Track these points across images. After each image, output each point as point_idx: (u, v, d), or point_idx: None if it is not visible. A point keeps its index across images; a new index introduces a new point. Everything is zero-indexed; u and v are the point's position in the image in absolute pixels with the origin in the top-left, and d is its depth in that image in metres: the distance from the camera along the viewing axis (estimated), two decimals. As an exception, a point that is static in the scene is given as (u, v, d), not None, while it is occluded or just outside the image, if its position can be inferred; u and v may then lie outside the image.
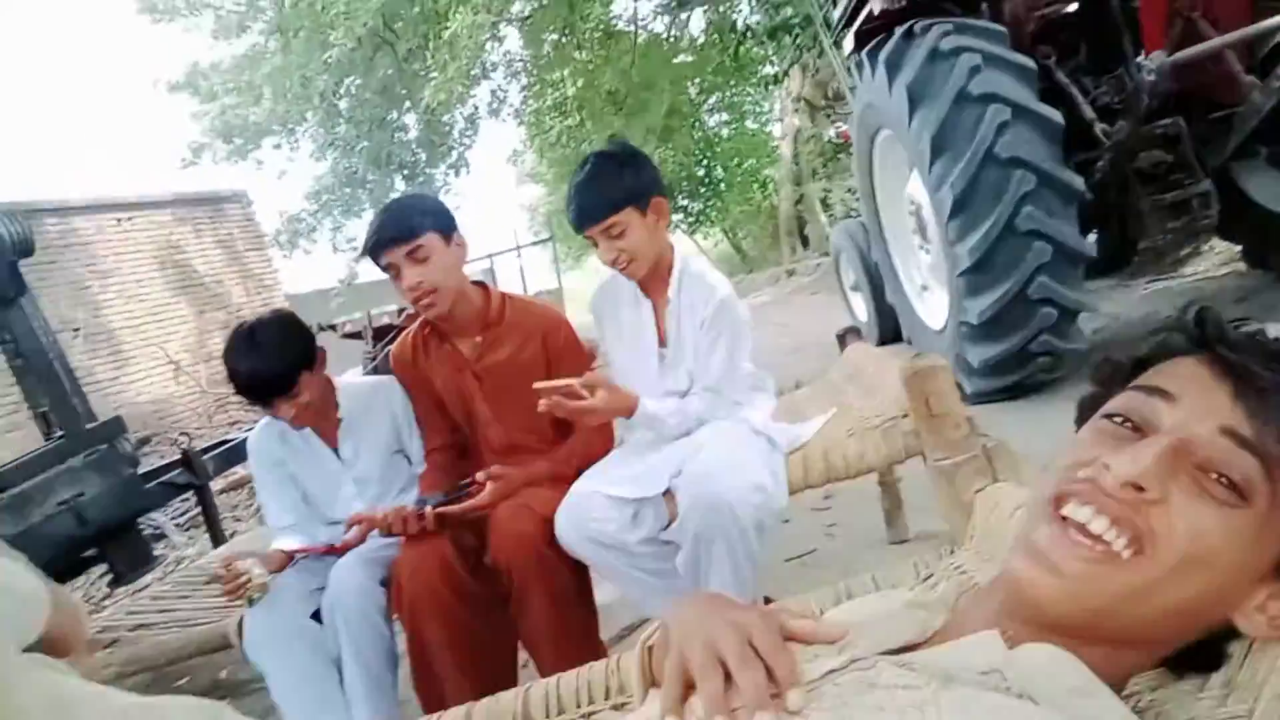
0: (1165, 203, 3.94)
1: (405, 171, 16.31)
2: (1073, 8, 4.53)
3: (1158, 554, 0.60)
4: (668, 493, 1.80)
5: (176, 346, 10.87)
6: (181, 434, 3.57)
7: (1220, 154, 3.95)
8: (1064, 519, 0.63)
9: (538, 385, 1.76)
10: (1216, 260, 5.30)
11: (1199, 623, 0.64)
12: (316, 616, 1.94)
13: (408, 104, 15.03)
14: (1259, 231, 4.36)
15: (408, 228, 1.90)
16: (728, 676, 0.63)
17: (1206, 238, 5.16)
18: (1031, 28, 4.25)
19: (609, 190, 1.85)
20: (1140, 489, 0.60)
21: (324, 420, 2.11)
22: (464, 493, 1.90)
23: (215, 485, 4.34)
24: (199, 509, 3.90)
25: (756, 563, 1.75)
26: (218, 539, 3.56)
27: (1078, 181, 3.53)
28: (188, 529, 5.46)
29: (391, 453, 2.19)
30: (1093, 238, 3.75)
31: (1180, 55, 3.50)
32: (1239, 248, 4.84)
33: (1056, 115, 3.58)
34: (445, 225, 1.96)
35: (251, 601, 1.83)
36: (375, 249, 1.93)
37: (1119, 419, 0.67)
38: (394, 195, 15.96)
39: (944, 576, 1.11)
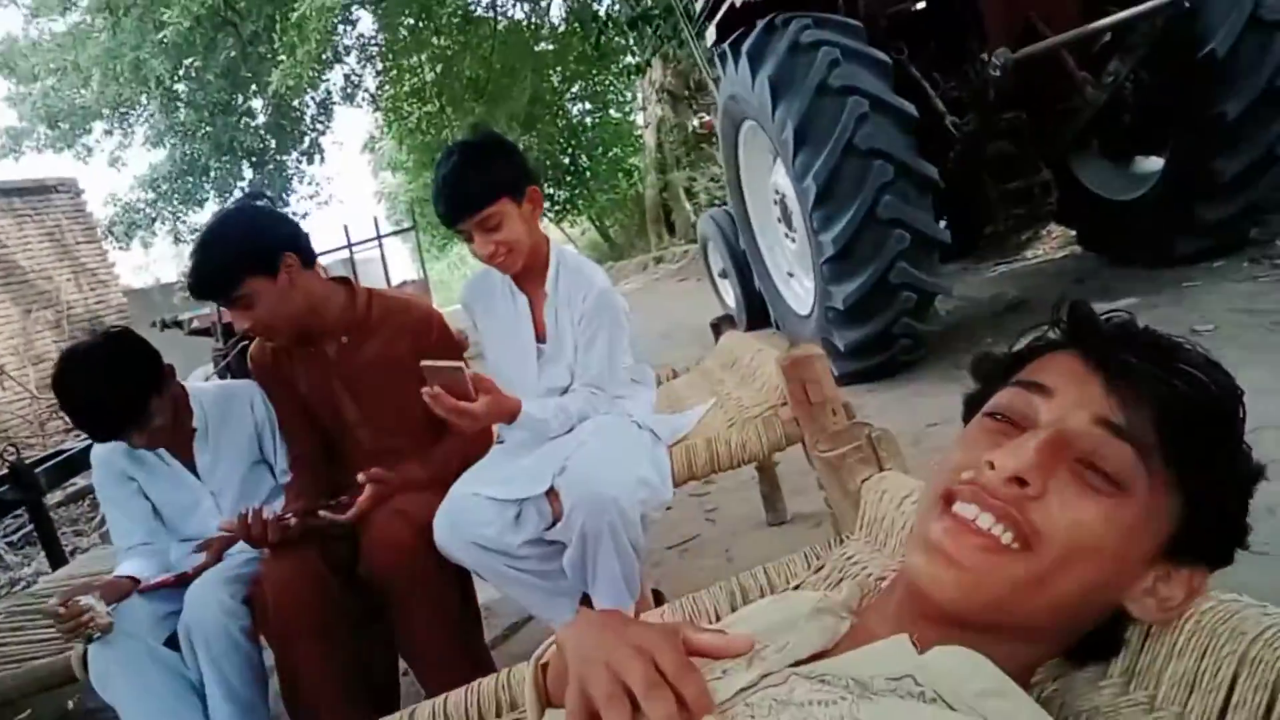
0: (1010, 191, 4.18)
1: (253, 159, 15.50)
2: (922, 5, 4.73)
3: (1042, 548, 0.61)
4: (550, 491, 1.75)
5: (0, 348, 9.94)
6: (9, 445, 3.23)
7: (1058, 146, 4.22)
8: (953, 517, 0.64)
9: (425, 363, 1.66)
10: (1055, 244, 5.68)
11: (1093, 611, 0.66)
12: (170, 643, 1.79)
13: (254, 88, 14.26)
14: (1093, 217, 4.70)
15: (222, 282, 1.75)
16: (634, 705, 0.60)
17: (1046, 223, 5.52)
18: (885, 23, 4.40)
19: (483, 181, 1.77)
20: (1022, 483, 0.62)
21: (177, 432, 1.94)
22: (338, 505, 1.78)
23: (51, 499, 3.98)
24: (33, 526, 3.56)
25: (644, 555, 1.74)
26: (56, 558, 3.26)
27: (933, 171, 3.70)
28: (22, 547, 5.00)
29: (252, 462, 2.05)
30: (942, 224, 3.93)
31: (1023, 52, 3.70)
32: (1075, 232, 5.20)
33: (911, 108, 3.73)
34: (264, 262, 1.77)
35: (91, 639, 1.68)
36: (201, 297, 1.81)
37: (999, 416, 0.69)
38: (241, 183, 15.21)
39: (836, 567, 1.12)
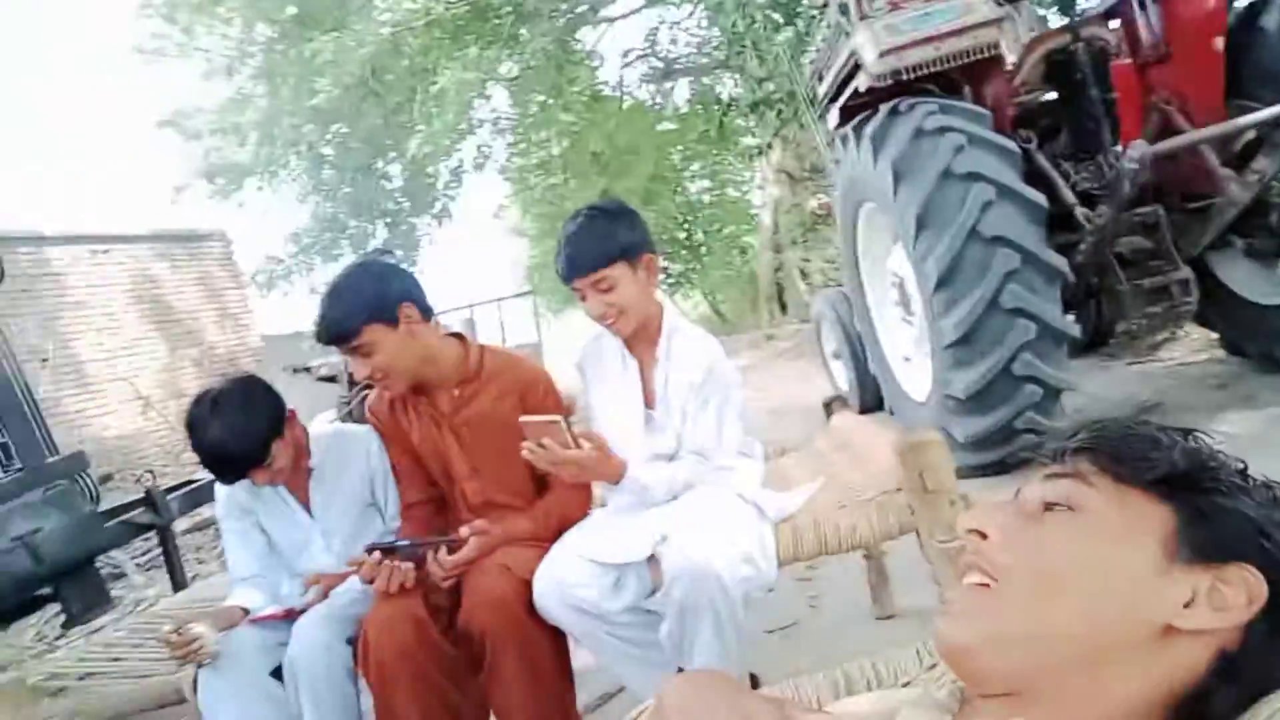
0: (1144, 288, 3.99)
1: (388, 219, 16.33)
2: (1053, 95, 4.67)
3: (1009, 574, 0.65)
4: (652, 559, 1.74)
5: (147, 382, 10.68)
6: (146, 472, 3.46)
7: (1197, 243, 4.03)
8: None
9: (524, 419, 1.71)
10: (1193, 346, 5.38)
11: (1124, 630, 0.63)
12: (277, 674, 1.84)
13: (393, 154, 15.12)
14: (1236, 320, 4.43)
15: (345, 329, 1.84)
16: None
17: (1184, 323, 5.24)
18: (1012, 112, 4.35)
19: (600, 243, 1.82)
20: (982, 535, 0.68)
21: (296, 471, 2.03)
22: (447, 542, 1.82)
23: (179, 526, 4.20)
24: (160, 549, 3.76)
25: (743, 635, 1.69)
26: (178, 581, 3.44)
27: (1061, 262, 3.58)
28: (148, 569, 5.27)
29: (364, 505, 2.12)
30: (1071, 319, 3.79)
31: (1161, 146, 3.58)
32: (1216, 335, 4.92)
33: (1040, 197, 3.64)
34: (386, 311, 1.86)
35: (200, 665, 1.75)
36: (327, 344, 1.90)
37: None
38: (374, 241, 16.02)
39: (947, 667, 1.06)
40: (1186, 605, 0.62)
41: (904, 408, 4.59)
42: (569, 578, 1.72)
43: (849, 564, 2.71)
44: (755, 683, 1.87)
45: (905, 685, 1.09)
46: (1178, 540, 0.64)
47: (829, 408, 2.69)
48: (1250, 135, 3.86)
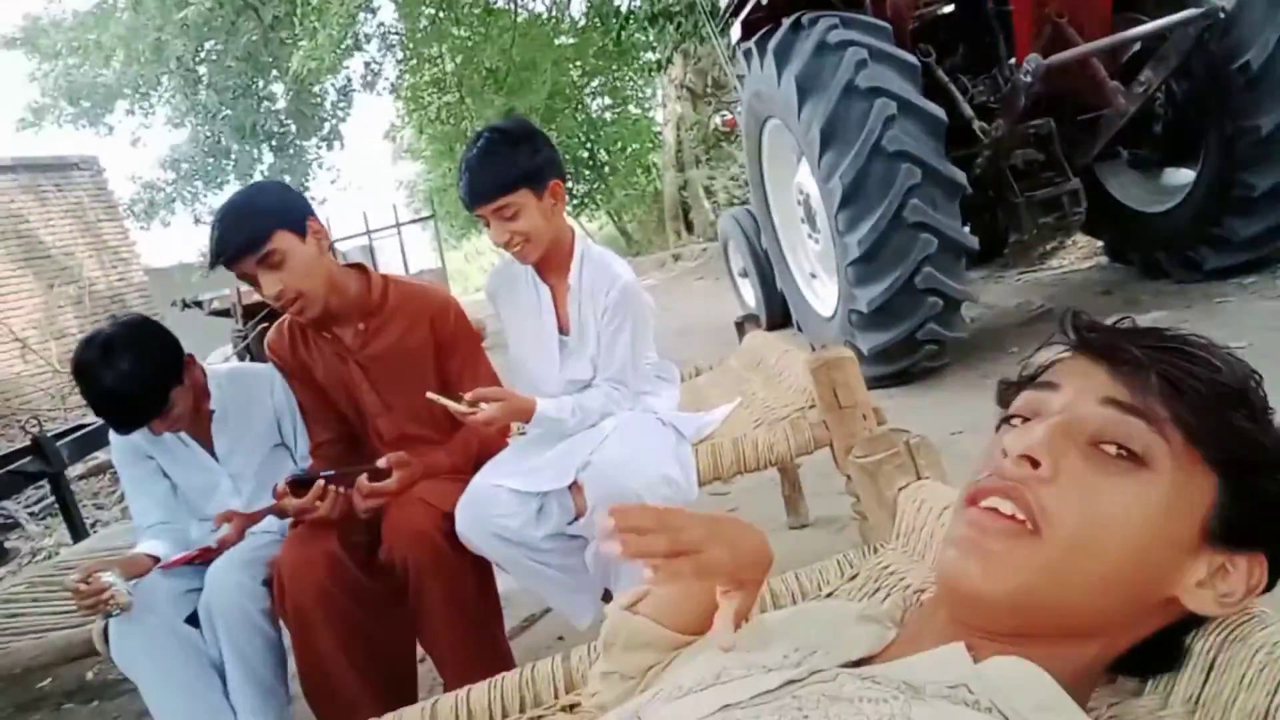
0: (1037, 199, 4.13)
1: (273, 142, 15.54)
2: (950, 8, 4.70)
3: (1056, 528, 0.61)
4: (574, 485, 1.74)
5: (22, 322, 10.02)
6: (31, 418, 3.25)
7: (1087, 154, 4.18)
8: (976, 508, 0.65)
9: (430, 396, 1.67)
10: (1080, 254, 5.63)
11: (1139, 601, 0.64)
12: (192, 620, 1.79)
13: (275, 72, 14.28)
14: (1120, 228, 4.66)
15: (249, 239, 1.69)
16: None
17: (1073, 233, 5.47)
18: (912, 26, 4.36)
19: (503, 169, 1.75)
20: (1034, 463, 0.62)
21: (196, 414, 1.93)
22: (368, 470, 1.76)
23: (72, 472, 4.00)
24: (54, 498, 3.58)
25: None
26: (77, 530, 3.29)
27: (961, 176, 3.67)
28: (43, 518, 5.03)
29: (271, 446, 2.04)
30: (968, 229, 3.90)
31: (1054, 59, 3.66)
32: (1101, 243, 5.15)
33: (940, 111, 3.70)
34: (295, 221, 1.74)
35: (110, 616, 1.68)
36: (224, 264, 1.73)
37: (1017, 419, 0.69)
38: (261, 166, 15.26)
39: (871, 576, 1.10)
40: (1198, 584, 0.63)
41: (811, 323, 4.69)
42: (491, 508, 1.71)
43: (762, 478, 2.77)
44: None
45: (829, 596, 1.13)
46: (1213, 518, 0.62)
47: (741, 327, 2.71)
48: (1137, 47, 3.98)
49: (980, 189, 4.16)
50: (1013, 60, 4.08)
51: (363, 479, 1.74)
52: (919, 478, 1.16)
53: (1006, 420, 0.70)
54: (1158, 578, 0.63)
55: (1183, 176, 4.27)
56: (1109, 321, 0.71)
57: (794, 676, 0.64)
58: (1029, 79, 3.68)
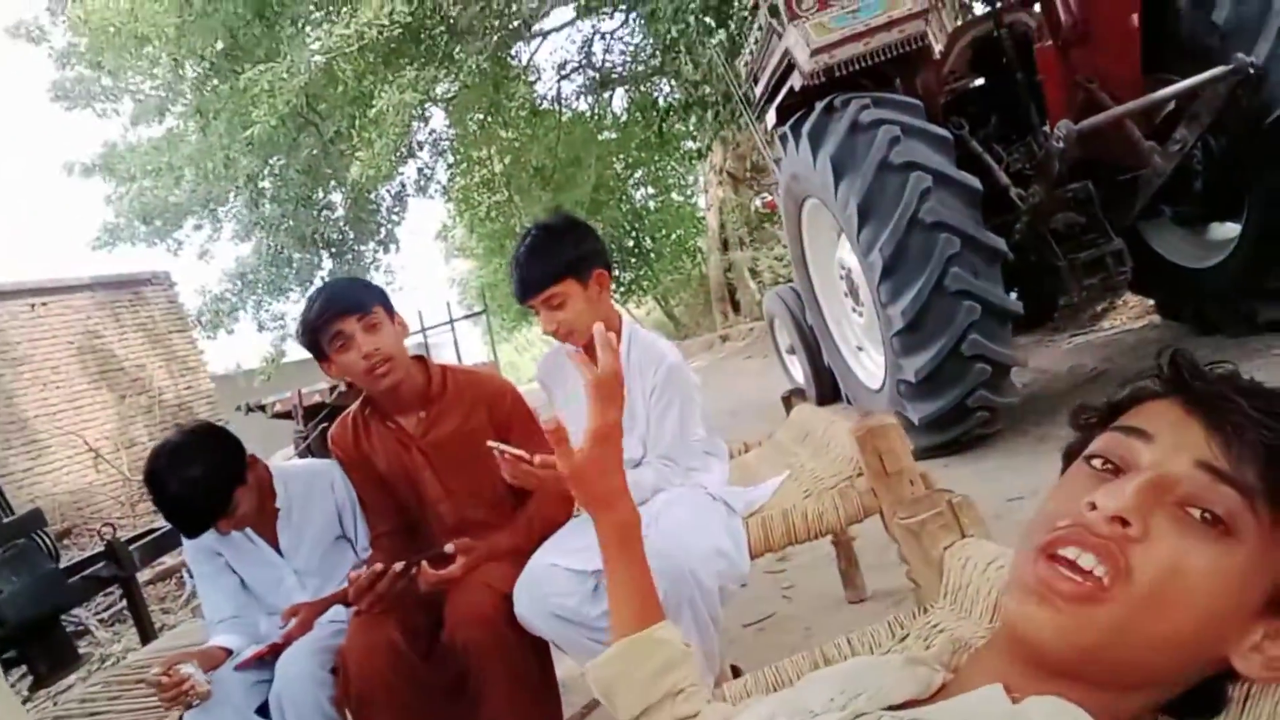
0: (1081, 261, 4.13)
1: (333, 249, 16.12)
2: (980, 81, 4.80)
3: (1136, 587, 0.60)
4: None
5: (96, 434, 10.42)
6: (104, 524, 3.38)
7: (1127, 215, 4.18)
8: (1052, 558, 0.64)
9: (491, 444, 1.72)
10: (1132, 314, 5.56)
11: (1194, 662, 0.64)
12: (263, 711, 1.83)
13: (334, 182, 14.95)
14: (1170, 285, 4.61)
15: (358, 300, 1.90)
16: None
17: (1121, 293, 5.41)
18: (943, 100, 4.47)
19: (550, 261, 1.87)
20: (1125, 523, 0.61)
21: (261, 512, 2.02)
22: (433, 556, 1.81)
23: (142, 576, 4.11)
24: (124, 602, 3.68)
25: (720, 627, 1.73)
26: (146, 634, 3.36)
27: (1000, 243, 3.69)
28: (113, 624, 5.16)
29: (334, 539, 2.11)
30: (1014, 296, 3.91)
31: (1085, 123, 3.71)
32: (1152, 301, 5.09)
33: (974, 181, 3.76)
34: (388, 303, 1.96)
35: (190, 707, 1.73)
36: (328, 318, 1.88)
37: (1099, 460, 0.68)
38: (320, 273, 15.82)
39: (921, 635, 1.11)
40: (1252, 648, 0.63)
41: (860, 396, 4.68)
42: (548, 587, 1.74)
43: (819, 554, 2.76)
44: (737, 673, 1.90)
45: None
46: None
47: (788, 402, 2.74)
48: (1170, 107, 4.01)
49: (1023, 255, 4.17)
50: (1046, 127, 4.14)
51: (425, 565, 1.79)
52: (964, 536, 1.17)
53: (1088, 459, 0.69)
54: (1218, 641, 0.62)
55: (1228, 231, 4.23)
56: (1209, 366, 0.69)
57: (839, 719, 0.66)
58: (1061, 144, 3.73)
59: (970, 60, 4.61)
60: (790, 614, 2.75)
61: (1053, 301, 5.93)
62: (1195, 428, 0.64)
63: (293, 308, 14.73)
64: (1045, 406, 4.24)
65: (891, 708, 0.68)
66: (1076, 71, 3.98)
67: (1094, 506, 0.63)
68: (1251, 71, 3.54)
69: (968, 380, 3.68)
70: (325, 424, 6.68)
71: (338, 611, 1.96)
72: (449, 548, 1.80)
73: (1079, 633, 0.62)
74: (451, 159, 16.51)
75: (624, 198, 19.22)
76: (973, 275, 3.61)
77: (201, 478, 1.82)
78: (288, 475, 2.10)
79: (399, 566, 1.77)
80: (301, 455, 6.73)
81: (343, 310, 1.87)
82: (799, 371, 6.04)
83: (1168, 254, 4.53)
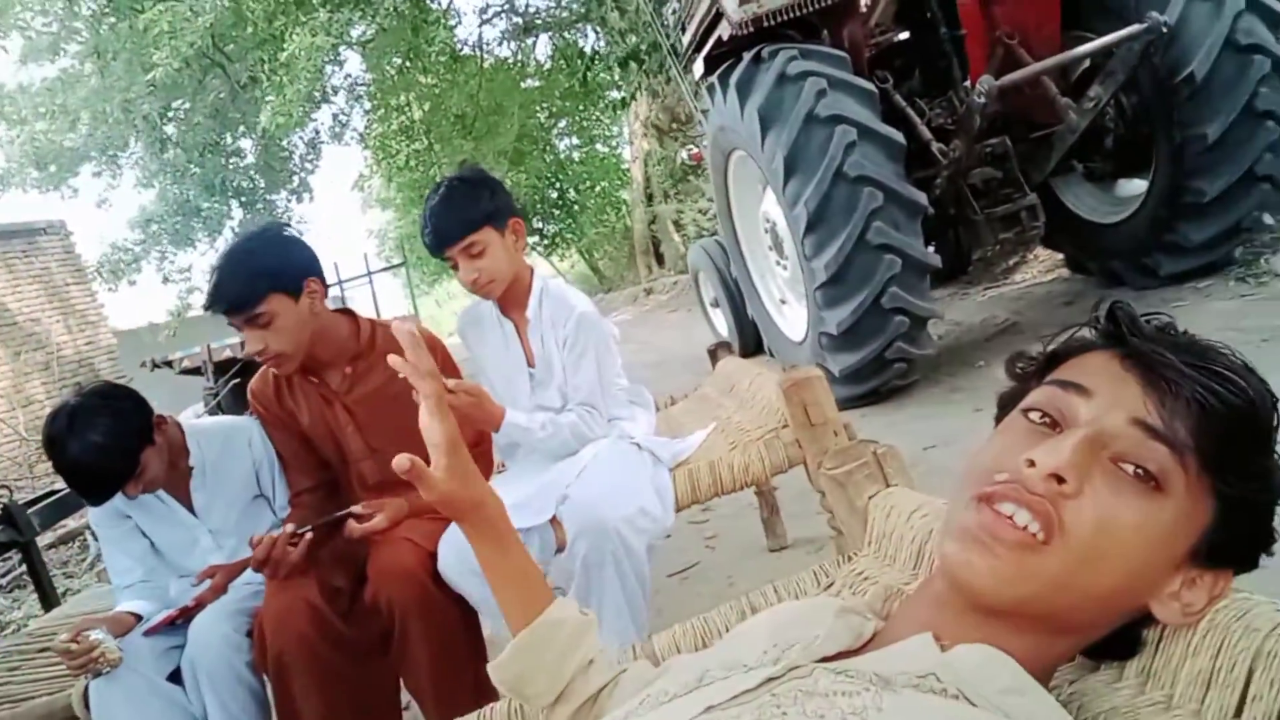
0: (997, 216, 4.24)
1: (242, 198, 15.50)
2: (904, 35, 4.83)
3: (1069, 544, 0.61)
4: (554, 519, 1.75)
5: (-12, 392, 9.90)
6: (1, 487, 3.21)
7: (1042, 170, 4.28)
8: (992, 510, 0.64)
9: (391, 359, 1.69)
10: (1042, 267, 5.74)
11: (1120, 610, 0.66)
12: (174, 677, 1.77)
13: (243, 128, 14.32)
14: (1079, 240, 4.76)
15: (245, 295, 1.74)
16: None
17: (1034, 247, 5.57)
18: (868, 54, 4.49)
19: (467, 210, 1.84)
20: (1061, 480, 0.62)
21: (173, 471, 1.93)
22: (354, 515, 1.77)
23: (42, 540, 3.93)
24: (24, 568, 3.51)
25: (648, 584, 1.74)
26: (48, 600, 3.22)
27: (921, 197, 3.75)
28: (11, 590, 4.94)
29: (251, 498, 2.03)
30: (931, 249, 3.98)
31: (1006, 79, 3.77)
32: (1061, 255, 5.27)
33: (898, 135, 3.79)
34: (291, 282, 1.79)
35: (99, 674, 1.66)
36: (222, 310, 1.78)
37: (1037, 414, 0.69)
38: (230, 223, 15.22)
39: (846, 584, 1.12)
40: (1170, 596, 0.64)
41: (783, 349, 4.74)
42: (472, 544, 1.72)
43: (741, 503, 2.79)
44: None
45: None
46: (1203, 540, 0.64)
47: (714, 355, 2.74)
48: (1085, 64, 4.11)
49: (942, 209, 4.26)
50: (967, 82, 4.20)
51: (352, 522, 1.75)
52: (887, 485, 1.18)
53: (1025, 412, 0.69)
54: (1143, 591, 0.64)
55: (1135, 187, 4.38)
56: (1146, 318, 0.70)
57: (773, 674, 0.66)
58: (983, 99, 3.78)
59: (895, 13, 4.63)
60: (713, 563, 2.79)
61: (968, 255, 6.12)
62: (1132, 384, 0.65)
63: (200, 259, 14.13)
64: (959, 357, 4.36)
65: (825, 659, 0.68)
66: (998, 27, 4.02)
67: (1032, 463, 0.63)
68: (1164, 30, 3.63)
69: (887, 332, 3.75)
70: (237, 379, 6.47)
71: (253, 574, 1.90)
72: (357, 509, 1.75)
73: (1017, 581, 0.63)
74: (368, 105, 15.98)
75: (548, 148, 18.94)
76: (894, 229, 3.66)
77: (104, 442, 1.71)
78: (201, 433, 2.01)
79: (290, 529, 1.72)
80: (212, 412, 6.52)
81: (225, 311, 1.76)
82: (723, 324, 6.08)
83: (1078, 209, 4.68)
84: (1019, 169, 4.29)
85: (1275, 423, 0.64)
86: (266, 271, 1.77)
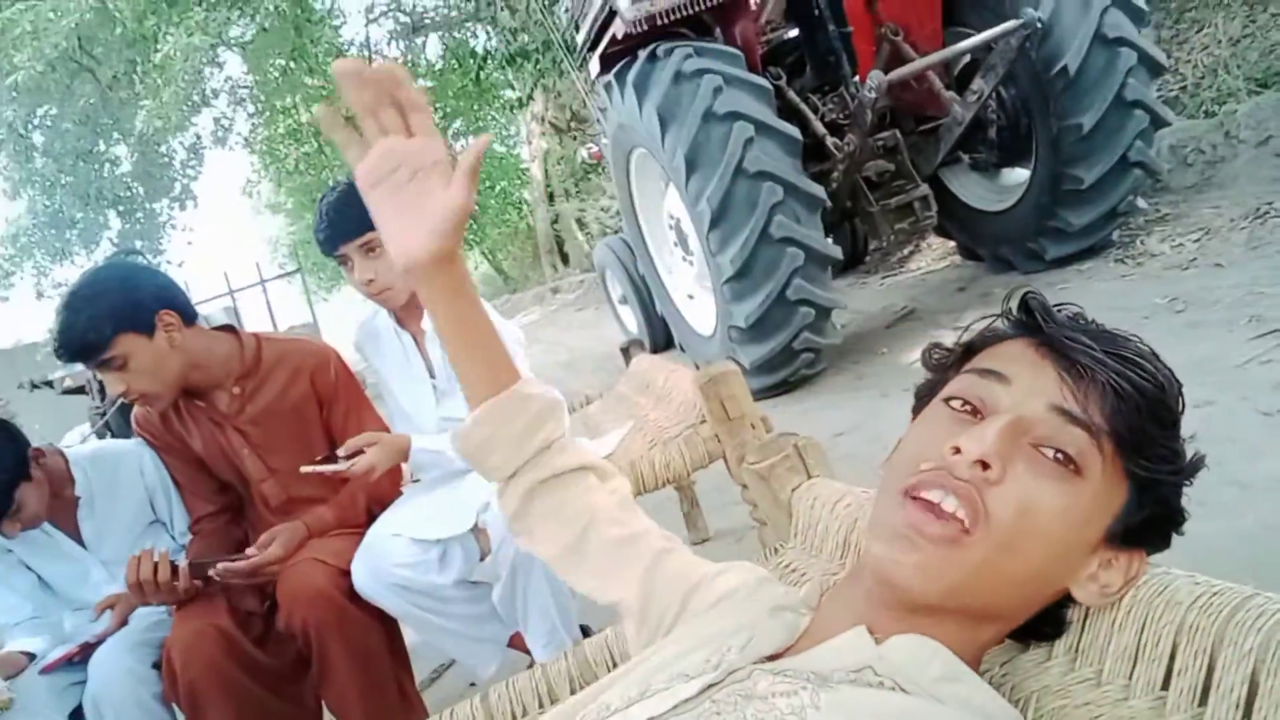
0: (891, 207, 4.37)
1: (120, 208, 14.76)
2: (794, 32, 4.93)
3: (994, 528, 0.62)
4: (475, 527, 1.72)
5: None
6: None
7: (932, 162, 4.44)
8: (915, 500, 0.65)
9: (304, 469, 1.66)
10: (935, 255, 5.95)
11: (1042, 593, 0.68)
12: (76, 715, 1.67)
13: (116, 134, 13.62)
14: (968, 228, 4.96)
15: (91, 341, 1.62)
16: None
17: (927, 236, 5.77)
18: (761, 51, 4.56)
19: (364, 206, 1.76)
20: (986, 466, 0.63)
21: (57, 502, 1.82)
22: (241, 558, 1.70)
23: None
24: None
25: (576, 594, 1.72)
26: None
27: (820, 191, 3.83)
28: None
29: (146, 525, 1.94)
30: (830, 240, 4.08)
31: (895, 74, 3.88)
32: (953, 243, 5.47)
33: (795, 131, 3.87)
34: (141, 321, 1.66)
35: None
36: (70, 359, 1.67)
37: (958, 402, 0.70)
38: (109, 233, 14.45)
39: (775, 577, 1.13)
40: (1088, 578, 0.66)
41: (693, 343, 4.78)
42: (389, 558, 1.67)
43: (660, 498, 2.79)
44: (587, 633, 1.91)
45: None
46: (1117, 521, 0.65)
47: (627, 353, 2.74)
48: (967, 59, 4.27)
49: (838, 201, 4.37)
50: (857, 78, 4.31)
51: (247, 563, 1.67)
52: (809, 477, 1.20)
53: (948, 401, 0.70)
54: (1063, 573, 0.66)
55: (1019, 176, 4.58)
56: (1057, 307, 0.71)
57: (712, 680, 0.66)
58: (874, 94, 3.89)
59: (785, 10, 4.72)
60: (636, 561, 2.78)
61: (865, 245, 6.30)
62: (1049, 371, 0.67)
63: (77, 273, 13.39)
64: (862, 345, 4.48)
65: (762, 660, 0.68)
66: (882, 23, 4.14)
67: (958, 450, 0.64)
68: (1039, 25, 3.80)
69: (794, 323, 3.83)
70: (125, 398, 6.14)
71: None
72: (251, 551, 1.69)
73: (944, 574, 0.63)
74: (252, 108, 15.42)
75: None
76: (796, 222, 3.73)
77: None
78: (88, 461, 1.90)
79: (182, 566, 1.65)
80: (100, 434, 6.18)
81: (73, 360, 1.67)
82: (632, 321, 6.09)
83: (966, 198, 4.86)
84: (910, 161, 4.43)
85: (1181, 406, 0.67)
86: (112, 313, 1.63)
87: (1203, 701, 0.59)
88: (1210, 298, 3.20)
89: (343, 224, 1.77)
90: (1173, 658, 0.61)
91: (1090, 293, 3.79)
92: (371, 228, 1.75)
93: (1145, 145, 3.95)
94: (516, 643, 1.87)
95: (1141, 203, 4.31)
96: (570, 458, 0.94)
